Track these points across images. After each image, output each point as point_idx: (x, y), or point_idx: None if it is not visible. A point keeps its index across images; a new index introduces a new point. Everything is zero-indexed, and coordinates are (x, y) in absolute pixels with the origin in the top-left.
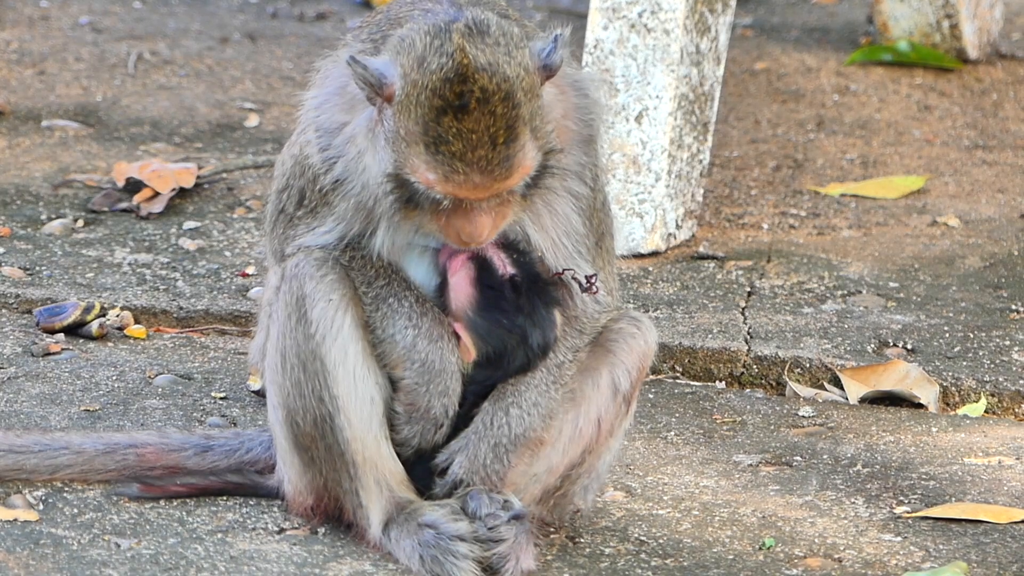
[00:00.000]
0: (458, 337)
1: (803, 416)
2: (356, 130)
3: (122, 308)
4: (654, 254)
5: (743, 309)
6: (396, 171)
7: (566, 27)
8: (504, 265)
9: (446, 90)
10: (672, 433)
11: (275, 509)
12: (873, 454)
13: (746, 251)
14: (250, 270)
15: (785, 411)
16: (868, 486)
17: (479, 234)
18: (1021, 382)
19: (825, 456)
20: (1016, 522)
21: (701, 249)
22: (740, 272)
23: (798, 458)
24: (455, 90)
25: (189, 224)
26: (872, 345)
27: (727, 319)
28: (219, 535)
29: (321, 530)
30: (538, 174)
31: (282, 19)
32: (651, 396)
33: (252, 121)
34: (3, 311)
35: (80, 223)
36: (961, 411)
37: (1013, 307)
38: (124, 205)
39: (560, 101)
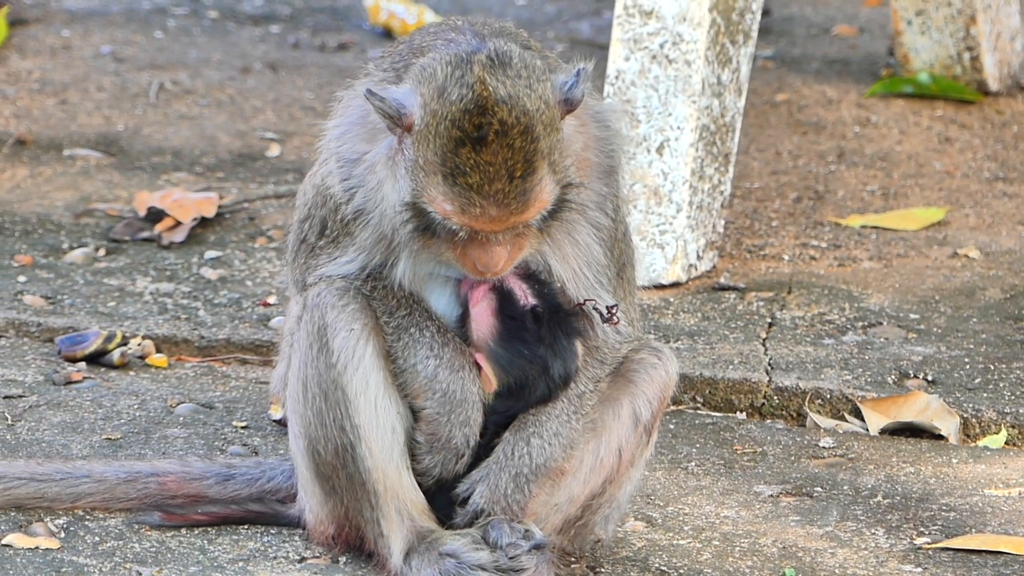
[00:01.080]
0: (479, 367)
1: (823, 447)
2: (376, 159)
3: (144, 337)
4: (675, 285)
5: (764, 340)
6: (414, 200)
7: (589, 61)
8: (526, 296)
9: (465, 121)
10: (693, 463)
11: (296, 538)
12: (893, 485)
13: (767, 282)
14: (271, 299)
15: (805, 442)
16: (888, 517)
17: (495, 265)
18: None
19: (845, 487)
20: None
21: (722, 280)
22: (761, 303)
23: (818, 489)
24: (474, 122)
25: (211, 253)
26: (893, 376)
27: (748, 350)
28: (240, 564)
29: (342, 559)
30: (555, 208)
31: (303, 49)
32: (672, 427)
33: (273, 151)
34: (25, 340)
35: (102, 252)
36: (981, 442)
37: None
38: (146, 234)
39: (581, 133)
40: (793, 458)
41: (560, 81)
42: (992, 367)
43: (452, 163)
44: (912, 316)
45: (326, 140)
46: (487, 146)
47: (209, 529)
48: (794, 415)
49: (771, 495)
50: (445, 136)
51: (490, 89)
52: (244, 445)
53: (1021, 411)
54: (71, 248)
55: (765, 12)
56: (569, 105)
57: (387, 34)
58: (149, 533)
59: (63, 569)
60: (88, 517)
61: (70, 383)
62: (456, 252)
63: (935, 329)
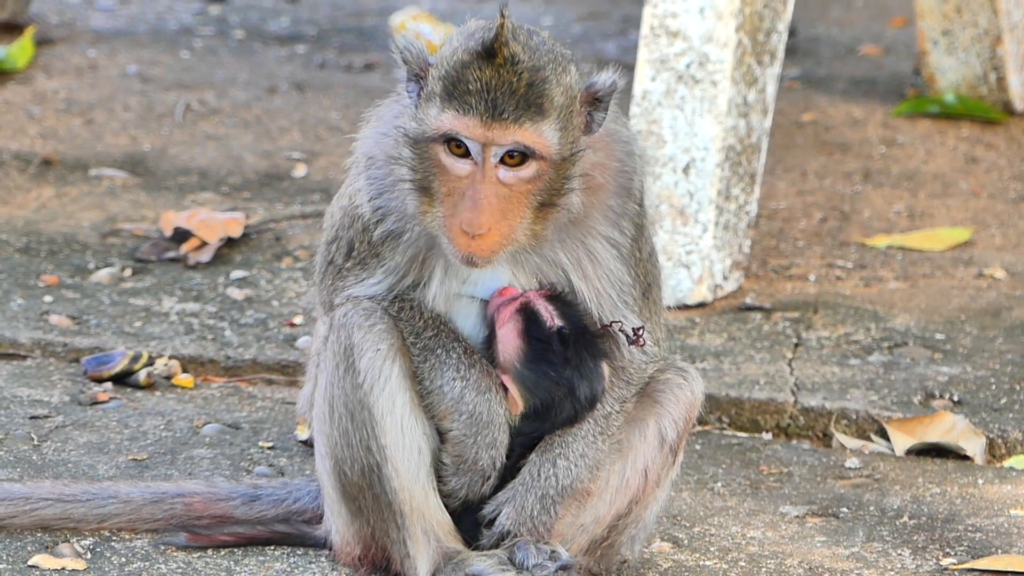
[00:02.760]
0: (506, 389)
1: (849, 467)
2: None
3: (170, 357)
4: (701, 305)
5: (790, 360)
6: (416, 136)
7: (622, 77)
8: (552, 317)
9: (477, 46)
10: (719, 484)
11: (323, 559)
12: (919, 506)
13: (793, 302)
14: (297, 320)
15: (831, 462)
16: (915, 538)
17: (480, 221)
18: None
19: (871, 507)
20: None
21: (748, 300)
22: (787, 323)
23: (844, 509)
24: (486, 46)
25: (237, 274)
26: (918, 397)
27: (774, 370)
28: None
29: None
30: (554, 180)
31: (330, 69)
32: (698, 447)
33: (300, 171)
34: (51, 360)
35: (128, 272)
36: (1007, 463)
37: None
38: (172, 254)
39: (601, 149)
40: (819, 479)
41: (587, 76)
42: (1018, 387)
43: (455, 77)
44: (938, 336)
45: (354, 158)
46: (493, 67)
47: (235, 550)
48: (820, 435)
49: (797, 516)
50: (455, 61)
51: (508, 31)
52: (270, 466)
53: None
54: (97, 268)
55: (791, 32)
56: (592, 89)
57: None
58: (175, 554)
59: None
60: (114, 538)
61: (96, 403)
62: (449, 213)
63: (961, 349)
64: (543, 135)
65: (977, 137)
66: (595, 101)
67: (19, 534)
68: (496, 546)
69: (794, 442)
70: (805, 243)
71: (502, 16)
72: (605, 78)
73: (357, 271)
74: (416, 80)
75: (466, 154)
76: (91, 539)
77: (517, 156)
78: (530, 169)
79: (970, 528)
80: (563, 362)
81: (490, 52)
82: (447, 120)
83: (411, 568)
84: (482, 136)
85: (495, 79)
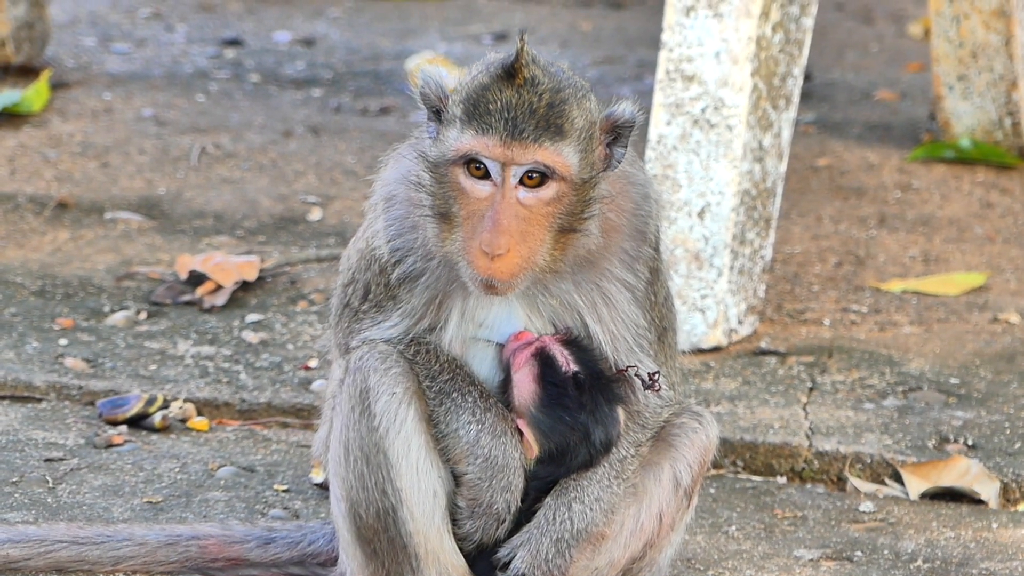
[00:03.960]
0: (521, 433)
1: (864, 511)
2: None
3: (185, 400)
4: (716, 349)
5: (804, 404)
6: (436, 159)
7: (641, 111)
8: (567, 362)
9: (498, 69)
10: (733, 528)
11: None
12: (933, 549)
13: (807, 347)
14: (312, 363)
15: (846, 506)
16: None
17: (499, 241)
18: None
19: (886, 551)
20: None
21: (763, 344)
22: (801, 367)
23: (859, 553)
24: (506, 68)
25: (252, 317)
26: (933, 441)
27: (788, 414)
28: None
29: None
30: (574, 204)
31: (345, 113)
32: (712, 491)
33: (315, 215)
34: (66, 403)
35: (143, 315)
36: (1021, 507)
37: None
38: (187, 298)
39: (616, 191)
40: (833, 522)
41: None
42: None
43: (476, 98)
44: (952, 381)
45: (373, 201)
46: (513, 88)
47: None
48: (834, 479)
49: (811, 559)
50: (475, 85)
51: (527, 55)
52: (285, 508)
53: None
54: (112, 311)
55: (807, 77)
56: (611, 118)
57: None
58: None
59: None
60: None
61: (111, 446)
62: (468, 238)
63: (975, 394)
64: (563, 155)
65: (992, 182)
66: (615, 131)
67: None
68: None
69: (808, 486)
70: (820, 287)
71: (521, 40)
72: (625, 107)
73: (373, 314)
74: (436, 117)
75: (486, 176)
76: None
77: (537, 177)
78: (550, 190)
79: (984, 572)
80: (578, 407)
81: (510, 73)
82: (467, 141)
83: None
84: (502, 156)
85: (515, 99)
